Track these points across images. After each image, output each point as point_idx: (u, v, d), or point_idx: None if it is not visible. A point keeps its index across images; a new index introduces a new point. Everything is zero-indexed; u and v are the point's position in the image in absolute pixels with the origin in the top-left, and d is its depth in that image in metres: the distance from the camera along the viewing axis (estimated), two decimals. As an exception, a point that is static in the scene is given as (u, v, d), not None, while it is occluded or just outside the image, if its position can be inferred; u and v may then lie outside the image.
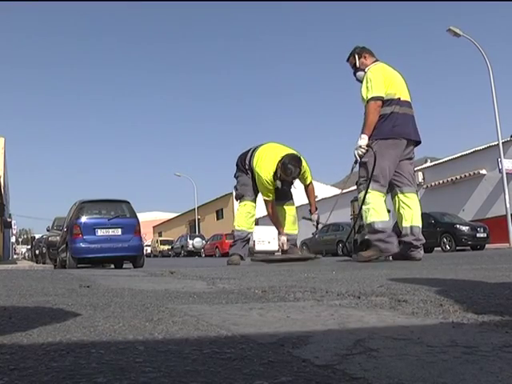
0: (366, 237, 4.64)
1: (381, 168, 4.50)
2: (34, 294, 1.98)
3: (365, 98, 4.61)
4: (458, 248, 15.83)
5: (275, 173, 5.35)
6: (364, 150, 4.64)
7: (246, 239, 5.64)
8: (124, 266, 9.61)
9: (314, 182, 6.04)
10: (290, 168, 5.22)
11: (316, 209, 5.89)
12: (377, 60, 4.89)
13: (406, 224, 4.60)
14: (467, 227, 16.28)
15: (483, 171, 20.65)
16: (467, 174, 21.15)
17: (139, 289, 2.25)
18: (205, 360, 0.85)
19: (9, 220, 30.63)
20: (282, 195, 5.70)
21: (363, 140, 4.61)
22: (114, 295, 1.95)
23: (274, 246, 29.39)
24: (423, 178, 23.57)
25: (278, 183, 5.38)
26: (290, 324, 1.22)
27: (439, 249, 16.44)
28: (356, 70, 4.94)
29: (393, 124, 4.53)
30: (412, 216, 4.61)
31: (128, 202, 9.60)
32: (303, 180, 5.76)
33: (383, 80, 4.61)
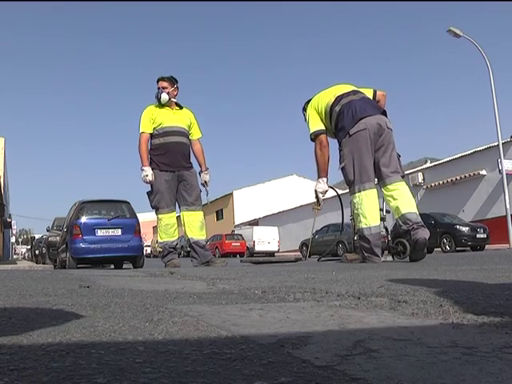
0: (355, 238, 4.68)
1: (359, 166, 4.51)
2: (33, 295, 1.98)
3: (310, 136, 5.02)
4: (457, 249, 15.84)
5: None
6: (323, 196, 5.12)
7: (173, 246, 5.60)
8: (124, 266, 9.62)
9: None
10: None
11: (207, 168, 5.90)
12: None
13: (396, 216, 4.56)
14: (467, 228, 16.29)
15: (483, 172, 20.66)
16: (467, 175, 21.15)
17: (139, 289, 2.25)
18: (205, 360, 0.85)
19: (9, 220, 30.66)
20: (190, 199, 5.60)
21: (322, 184, 5.05)
22: (113, 295, 1.95)
23: (273, 246, 29.56)
24: (423, 179, 23.57)
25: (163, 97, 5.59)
26: (290, 324, 1.22)
27: (439, 249, 16.45)
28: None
29: (351, 116, 4.58)
30: (398, 206, 4.50)
31: (128, 203, 9.60)
32: (191, 135, 5.79)
33: (315, 108, 4.94)
